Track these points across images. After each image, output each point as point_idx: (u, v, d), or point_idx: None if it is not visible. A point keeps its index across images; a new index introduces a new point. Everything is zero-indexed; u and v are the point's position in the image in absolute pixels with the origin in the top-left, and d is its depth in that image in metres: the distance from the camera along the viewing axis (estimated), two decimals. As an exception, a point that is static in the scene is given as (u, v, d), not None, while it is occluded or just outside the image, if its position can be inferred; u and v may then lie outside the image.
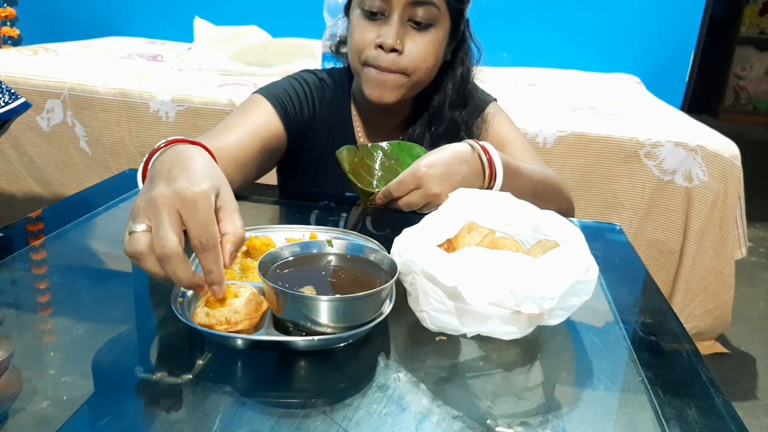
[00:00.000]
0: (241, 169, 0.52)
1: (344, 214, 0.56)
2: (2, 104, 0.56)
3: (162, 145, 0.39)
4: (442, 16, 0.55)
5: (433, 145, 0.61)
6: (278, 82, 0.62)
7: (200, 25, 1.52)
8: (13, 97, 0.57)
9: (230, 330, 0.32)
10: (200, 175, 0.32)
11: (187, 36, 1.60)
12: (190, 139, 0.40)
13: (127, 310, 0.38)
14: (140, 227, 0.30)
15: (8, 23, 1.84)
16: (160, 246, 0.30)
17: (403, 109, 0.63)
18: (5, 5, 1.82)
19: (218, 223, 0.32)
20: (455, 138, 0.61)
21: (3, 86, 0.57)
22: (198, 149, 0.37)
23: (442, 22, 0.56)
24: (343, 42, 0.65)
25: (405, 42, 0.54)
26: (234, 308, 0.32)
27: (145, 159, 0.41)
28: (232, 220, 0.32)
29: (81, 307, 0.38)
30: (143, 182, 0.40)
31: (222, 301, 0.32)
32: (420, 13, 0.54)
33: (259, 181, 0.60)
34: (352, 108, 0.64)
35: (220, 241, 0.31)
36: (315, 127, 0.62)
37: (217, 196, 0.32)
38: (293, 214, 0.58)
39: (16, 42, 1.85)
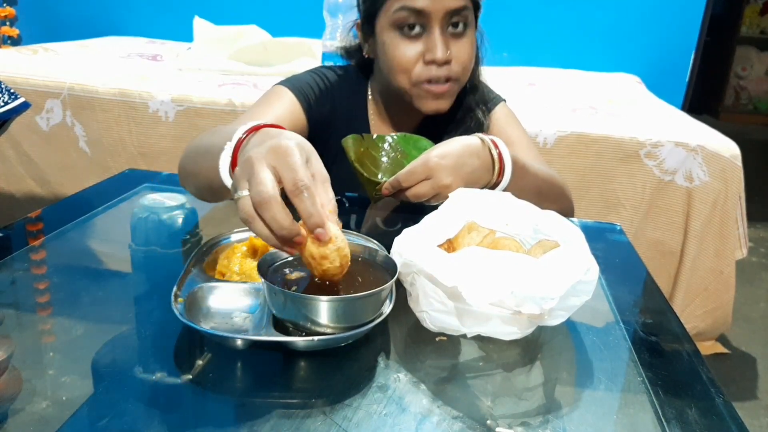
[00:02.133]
0: None
1: (346, 215, 0.56)
2: (1, 104, 0.56)
3: (243, 136, 0.37)
4: (471, 15, 0.56)
5: (446, 132, 0.61)
6: (299, 75, 0.62)
7: (200, 24, 1.52)
8: (13, 97, 0.57)
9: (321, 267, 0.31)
10: (290, 136, 0.32)
11: (186, 36, 1.60)
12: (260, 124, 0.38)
13: (127, 311, 0.38)
14: (243, 192, 0.30)
15: (7, 23, 1.83)
16: (255, 193, 0.30)
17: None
18: (5, 5, 1.82)
19: None
20: (468, 124, 0.62)
21: (2, 86, 0.57)
22: (286, 131, 0.36)
23: (472, 23, 0.57)
24: (356, 50, 0.64)
25: (451, 50, 0.55)
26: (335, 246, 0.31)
27: (232, 149, 0.38)
28: (325, 189, 0.32)
29: (80, 308, 0.38)
30: (231, 171, 0.38)
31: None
32: (459, 20, 0.54)
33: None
34: (369, 105, 0.64)
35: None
36: (334, 122, 0.62)
37: (308, 162, 0.32)
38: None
39: (15, 42, 1.85)
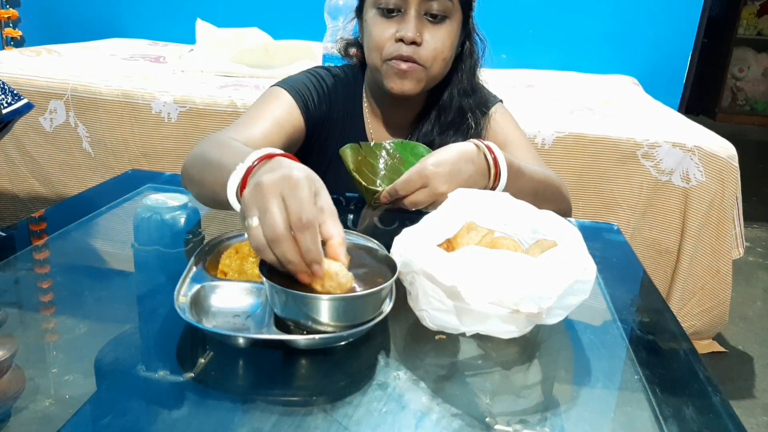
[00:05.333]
0: None
1: (349, 215, 0.56)
2: (5, 105, 0.57)
3: (255, 163, 0.37)
4: (455, 9, 0.57)
5: (441, 134, 0.62)
6: (295, 76, 0.62)
7: (202, 26, 1.52)
8: (16, 98, 0.58)
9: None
10: (301, 168, 0.33)
11: (188, 38, 1.60)
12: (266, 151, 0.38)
13: (129, 310, 0.38)
14: (254, 222, 0.31)
15: (11, 24, 1.84)
16: (268, 230, 0.30)
17: (415, 105, 0.64)
18: (7, 6, 1.83)
19: (321, 225, 0.32)
20: (462, 126, 0.62)
21: (6, 87, 0.58)
22: (295, 163, 0.36)
23: (455, 15, 0.58)
24: (351, 44, 0.66)
25: (423, 35, 0.56)
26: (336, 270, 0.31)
27: (243, 173, 0.37)
28: (335, 223, 0.32)
29: (83, 307, 0.38)
30: (239, 198, 0.38)
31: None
32: (435, 6, 0.56)
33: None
34: (364, 104, 0.65)
35: (329, 244, 0.32)
36: (330, 122, 0.62)
37: (317, 196, 0.32)
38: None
39: (18, 43, 1.85)
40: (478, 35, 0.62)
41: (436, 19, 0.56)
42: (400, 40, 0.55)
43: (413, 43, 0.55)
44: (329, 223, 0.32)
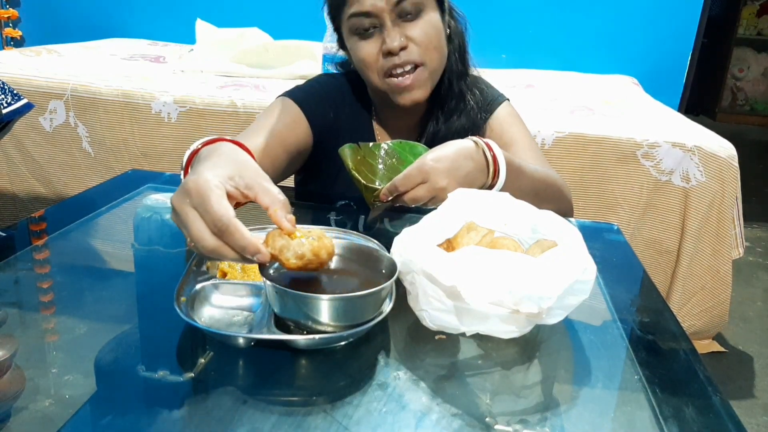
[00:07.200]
0: (270, 172, 0.52)
1: (346, 215, 0.56)
2: (5, 105, 0.57)
3: (199, 147, 0.39)
4: (427, 1, 0.57)
5: (446, 122, 0.62)
6: (302, 86, 0.63)
7: (202, 26, 1.52)
8: (16, 98, 0.58)
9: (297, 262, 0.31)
10: (205, 167, 0.33)
11: (188, 38, 1.60)
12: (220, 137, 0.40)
13: (129, 310, 0.38)
14: (189, 241, 0.32)
15: (11, 24, 1.84)
16: (199, 248, 0.31)
17: (421, 106, 0.64)
18: (7, 6, 1.83)
19: (256, 200, 0.32)
20: (466, 109, 0.62)
21: (6, 87, 0.58)
22: (222, 145, 0.37)
23: (429, 5, 0.57)
24: (345, 64, 0.67)
25: (407, 36, 0.56)
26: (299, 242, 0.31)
27: (184, 163, 0.41)
28: (266, 192, 0.32)
29: (83, 307, 0.38)
30: None
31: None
32: (407, 7, 0.55)
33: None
34: (372, 110, 0.65)
35: (269, 215, 0.32)
36: (338, 130, 0.63)
37: (236, 178, 0.32)
38: (295, 214, 0.58)
39: (18, 43, 1.85)
40: (456, 12, 0.62)
41: (412, 16, 0.56)
42: (388, 53, 0.55)
43: (402, 49, 0.55)
44: (259, 195, 0.32)
